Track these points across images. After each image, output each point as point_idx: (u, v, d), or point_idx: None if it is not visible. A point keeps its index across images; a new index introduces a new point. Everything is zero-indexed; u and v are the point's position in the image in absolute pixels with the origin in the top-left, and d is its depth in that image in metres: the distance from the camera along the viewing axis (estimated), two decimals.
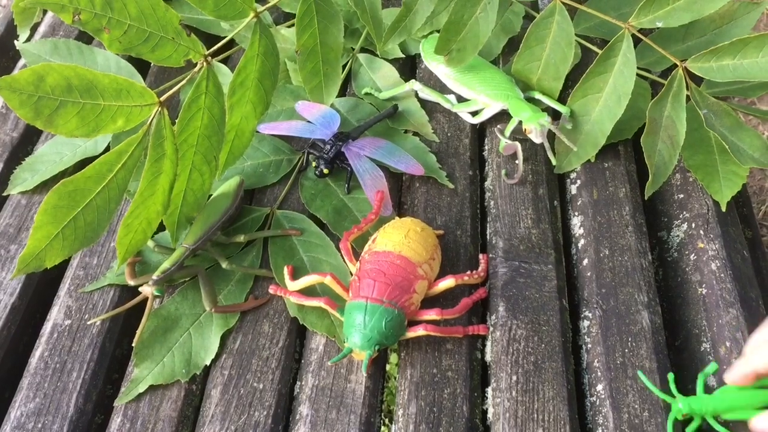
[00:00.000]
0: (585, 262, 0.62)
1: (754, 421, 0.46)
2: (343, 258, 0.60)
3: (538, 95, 0.71)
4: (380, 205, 0.62)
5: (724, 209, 0.65)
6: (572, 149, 0.67)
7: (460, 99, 0.73)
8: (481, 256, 0.61)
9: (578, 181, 0.68)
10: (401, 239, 0.57)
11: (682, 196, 0.67)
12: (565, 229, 0.66)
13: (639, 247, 0.62)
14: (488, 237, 0.63)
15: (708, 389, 0.53)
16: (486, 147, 0.71)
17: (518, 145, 0.66)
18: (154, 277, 0.55)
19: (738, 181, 0.65)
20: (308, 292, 0.57)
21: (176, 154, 0.56)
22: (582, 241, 0.63)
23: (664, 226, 0.67)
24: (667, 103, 0.66)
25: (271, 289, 0.58)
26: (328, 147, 0.66)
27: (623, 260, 0.61)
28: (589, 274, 0.60)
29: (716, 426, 0.50)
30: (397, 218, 0.61)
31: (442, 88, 0.74)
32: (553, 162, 0.66)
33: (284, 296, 0.58)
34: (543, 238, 0.62)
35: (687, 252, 0.63)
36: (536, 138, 0.66)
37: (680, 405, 0.50)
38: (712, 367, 0.53)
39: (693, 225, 0.64)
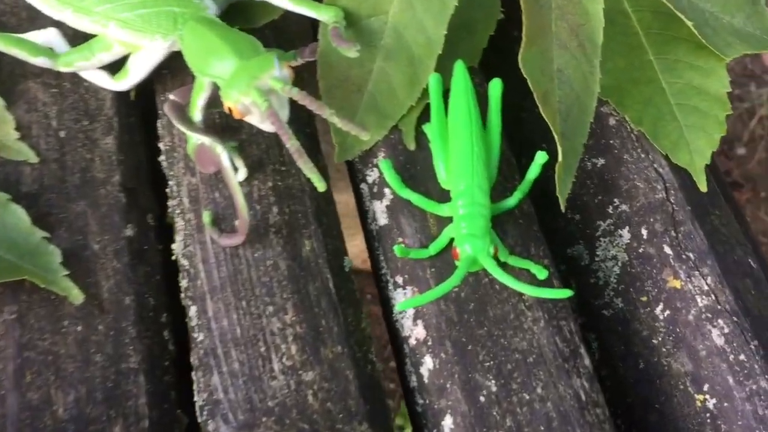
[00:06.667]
0: None
1: None
2: None
3: None
4: None
5: (703, 188, 0.30)
6: (357, 119, 0.28)
7: (80, 40, 0.30)
8: None
9: (390, 199, 0.29)
10: None
11: (603, 161, 0.31)
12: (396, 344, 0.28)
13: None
14: (200, 417, 0.24)
15: None
16: (164, 149, 0.30)
17: (221, 149, 0.26)
18: None
19: (717, 127, 0.30)
20: None
21: None
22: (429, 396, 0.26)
23: (579, 233, 0.31)
24: None
25: None
26: None
27: None
28: None
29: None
30: None
31: (31, 22, 0.31)
32: (318, 185, 0.26)
33: None
34: (334, 398, 0.24)
35: (643, 299, 0.28)
36: (263, 123, 0.26)
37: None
38: None
39: (644, 229, 0.29)
